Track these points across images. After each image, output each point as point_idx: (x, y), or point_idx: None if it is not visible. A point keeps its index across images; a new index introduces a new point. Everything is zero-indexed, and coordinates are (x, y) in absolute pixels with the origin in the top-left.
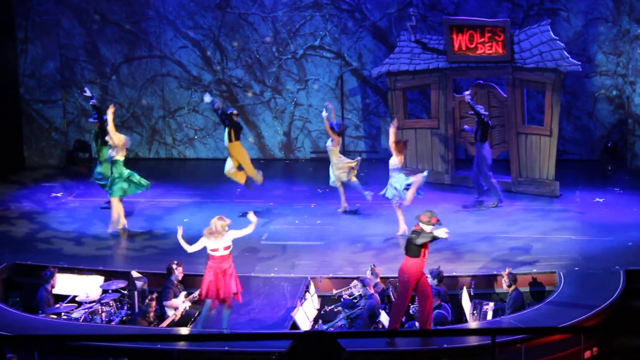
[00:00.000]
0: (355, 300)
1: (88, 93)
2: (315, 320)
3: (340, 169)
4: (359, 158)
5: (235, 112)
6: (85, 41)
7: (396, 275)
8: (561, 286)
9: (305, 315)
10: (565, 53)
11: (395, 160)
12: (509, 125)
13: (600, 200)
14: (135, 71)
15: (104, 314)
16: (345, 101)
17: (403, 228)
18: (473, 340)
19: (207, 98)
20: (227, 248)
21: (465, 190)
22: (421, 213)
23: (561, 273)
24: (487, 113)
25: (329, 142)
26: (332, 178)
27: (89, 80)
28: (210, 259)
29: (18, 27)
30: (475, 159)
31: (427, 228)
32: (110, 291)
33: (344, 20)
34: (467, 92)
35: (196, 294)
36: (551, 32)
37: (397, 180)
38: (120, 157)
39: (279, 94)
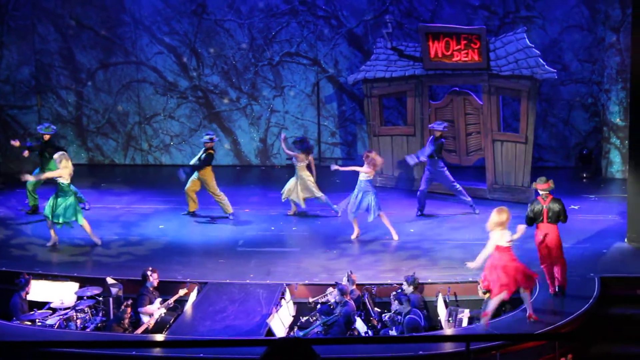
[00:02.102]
0: (332, 307)
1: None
2: (291, 327)
3: (307, 187)
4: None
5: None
6: (60, 47)
7: (372, 282)
8: (536, 293)
9: (280, 322)
10: (541, 60)
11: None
12: (484, 132)
13: (576, 207)
14: (111, 77)
15: (78, 321)
16: (321, 108)
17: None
18: (448, 347)
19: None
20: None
21: (440, 197)
22: (540, 182)
23: (536, 280)
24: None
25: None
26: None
27: (64, 86)
28: (503, 251)
29: None
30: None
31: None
32: (85, 298)
33: (320, 27)
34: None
35: (171, 300)
36: (527, 40)
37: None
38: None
39: (255, 100)
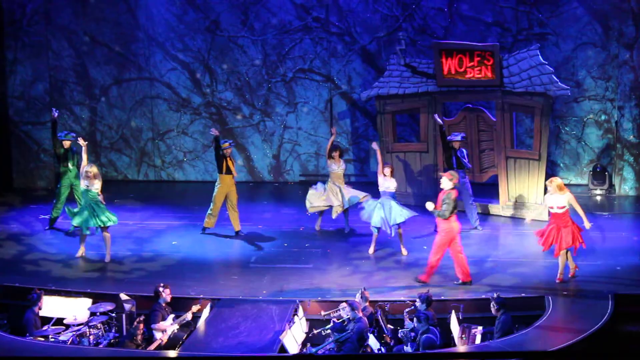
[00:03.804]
0: (344, 324)
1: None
2: (304, 344)
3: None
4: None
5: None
6: (74, 63)
7: (385, 298)
8: (549, 310)
9: (293, 339)
10: (554, 77)
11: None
12: (497, 149)
13: (589, 224)
14: (124, 93)
15: (91, 337)
16: (334, 124)
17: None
18: None
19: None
20: (560, 208)
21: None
22: (455, 177)
23: (549, 297)
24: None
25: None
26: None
27: (78, 102)
28: (549, 215)
29: (7, 48)
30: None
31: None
32: (98, 314)
33: (334, 43)
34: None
35: (187, 315)
36: (540, 57)
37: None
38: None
39: (268, 116)
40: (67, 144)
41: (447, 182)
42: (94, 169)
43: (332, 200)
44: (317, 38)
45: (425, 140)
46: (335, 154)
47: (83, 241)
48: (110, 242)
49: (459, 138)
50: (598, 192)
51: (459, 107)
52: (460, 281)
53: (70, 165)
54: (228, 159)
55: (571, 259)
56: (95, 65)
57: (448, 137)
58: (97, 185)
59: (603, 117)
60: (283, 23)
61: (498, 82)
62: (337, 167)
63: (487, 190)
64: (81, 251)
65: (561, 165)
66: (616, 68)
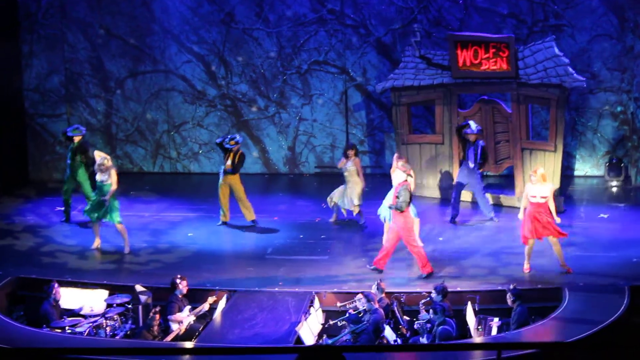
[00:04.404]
0: (360, 315)
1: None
2: (320, 335)
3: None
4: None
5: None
6: (90, 55)
7: (401, 290)
8: (566, 302)
9: (309, 330)
10: (570, 69)
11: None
12: (513, 140)
13: (605, 216)
14: (139, 86)
15: (108, 328)
16: (349, 116)
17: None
18: (478, 355)
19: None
20: (543, 197)
21: (470, 205)
22: (406, 166)
23: (566, 289)
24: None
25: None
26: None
27: (93, 94)
28: (529, 204)
29: (23, 41)
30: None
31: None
32: (114, 305)
33: (349, 35)
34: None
35: (204, 306)
36: (556, 48)
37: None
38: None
39: (283, 108)
40: (76, 139)
41: (400, 173)
42: (105, 162)
43: (342, 202)
44: (332, 30)
45: (441, 132)
46: (351, 152)
47: (97, 233)
48: (126, 233)
49: (475, 131)
50: (614, 183)
51: (474, 99)
52: (373, 266)
53: (77, 161)
54: (231, 153)
55: (530, 256)
56: (111, 58)
57: (464, 130)
58: (108, 179)
59: (619, 109)
60: (298, 15)
61: (513, 74)
62: (343, 165)
63: (503, 182)
64: (97, 243)
65: (577, 156)
66: (632, 60)
